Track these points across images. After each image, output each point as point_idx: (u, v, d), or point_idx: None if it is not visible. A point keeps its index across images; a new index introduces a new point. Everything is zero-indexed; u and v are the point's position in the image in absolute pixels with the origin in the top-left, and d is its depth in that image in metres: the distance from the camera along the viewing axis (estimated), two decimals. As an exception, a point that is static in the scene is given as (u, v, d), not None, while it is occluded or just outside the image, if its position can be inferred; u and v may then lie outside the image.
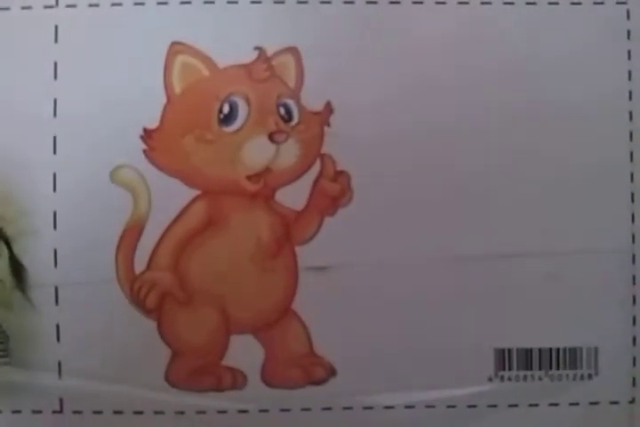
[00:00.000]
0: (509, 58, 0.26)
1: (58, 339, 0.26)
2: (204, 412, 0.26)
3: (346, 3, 0.26)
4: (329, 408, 0.26)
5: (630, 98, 0.26)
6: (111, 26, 0.26)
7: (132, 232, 0.26)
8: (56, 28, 0.26)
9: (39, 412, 0.26)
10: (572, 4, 0.26)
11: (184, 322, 0.26)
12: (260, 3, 0.26)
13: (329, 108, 0.26)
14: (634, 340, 0.26)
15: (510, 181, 0.26)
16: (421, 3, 0.26)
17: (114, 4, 0.26)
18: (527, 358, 0.26)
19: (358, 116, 0.26)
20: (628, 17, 0.26)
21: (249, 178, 0.26)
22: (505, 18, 0.26)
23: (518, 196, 0.26)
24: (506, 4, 0.26)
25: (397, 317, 0.26)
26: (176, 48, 0.26)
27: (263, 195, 0.26)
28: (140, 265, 0.26)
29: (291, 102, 0.26)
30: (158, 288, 0.26)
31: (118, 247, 0.26)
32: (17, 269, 0.26)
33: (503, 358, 0.26)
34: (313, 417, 0.26)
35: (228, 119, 0.26)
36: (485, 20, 0.26)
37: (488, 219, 0.26)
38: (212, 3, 0.26)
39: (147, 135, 0.26)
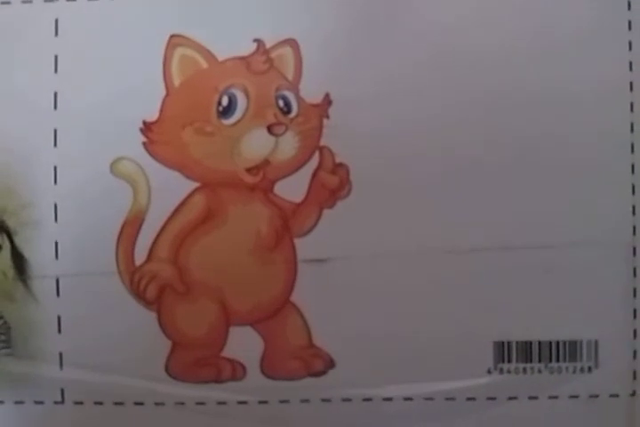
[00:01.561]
0: (509, 49, 0.26)
1: (59, 330, 0.26)
2: (203, 403, 0.26)
3: (344, -6, 0.26)
4: (328, 400, 0.26)
5: (631, 89, 0.26)
6: (111, 19, 0.26)
7: (133, 224, 0.26)
8: (56, 21, 0.26)
9: (41, 402, 0.26)
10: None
11: (184, 314, 0.26)
12: (258, -5, 0.26)
13: (328, 101, 0.26)
14: (634, 333, 0.26)
15: (510, 173, 0.26)
16: (421, -7, 0.26)
17: (113, -2, 0.26)
18: (527, 351, 0.26)
19: (357, 108, 0.26)
20: (629, 8, 0.26)
21: (248, 170, 0.26)
22: (505, 7, 0.26)
23: (518, 188, 0.26)
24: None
25: (396, 309, 0.26)
26: (175, 41, 0.26)
27: (262, 187, 0.26)
28: (140, 257, 0.26)
29: (289, 94, 0.26)
30: (158, 280, 0.26)
31: (119, 239, 0.26)
32: (18, 260, 0.26)
33: (502, 351, 0.26)
34: (312, 408, 0.26)
35: (226, 111, 0.26)
36: (485, 10, 0.26)
37: (488, 211, 0.26)
38: (211, -5, 0.26)
39: (146, 128, 0.26)
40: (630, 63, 0.26)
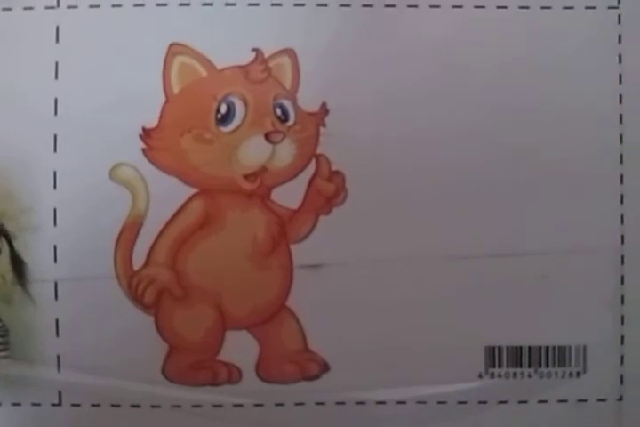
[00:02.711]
0: (502, 61, 0.27)
1: (57, 333, 0.26)
2: (199, 406, 0.27)
3: (342, 6, 0.26)
4: (322, 403, 0.27)
5: (620, 101, 0.27)
6: (111, 27, 0.26)
7: (131, 229, 0.26)
8: (57, 28, 0.26)
9: (38, 405, 0.27)
10: (565, 8, 0.27)
11: (181, 318, 0.26)
12: (257, 5, 0.26)
13: (324, 109, 0.26)
14: (622, 338, 0.27)
15: (502, 182, 0.27)
16: (416, 6, 0.27)
17: (114, 6, 0.26)
18: (517, 356, 0.27)
19: (353, 116, 0.26)
20: (619, 21, 0.27)
21: (246, 177, 0.26)
22: (498, 22, 0.27)
23: (509, 196, 0.27)
24: (499, 7, 0.27)
25: (390, 314, 0.26)
26: (175, 49, 0.26)
27: (259, 194, 0.26)
28: (138, 262, 0.26)
29: (287, 103, 0.26)
30: (156, 284, 0.26)
31: (117, 244, 0.26)
32: (17, 264, 0.26)
33: (493, 356, 0.27)
34: (306, 412, 0.27)
35: (225, 119, 0.26)
36: (479, 24, 0.27)
37: (480, 219, 0.27)
38: (211, 5, 0.26)
39: (145, 134, 0.26)
40: (620, 76, 0.27)
